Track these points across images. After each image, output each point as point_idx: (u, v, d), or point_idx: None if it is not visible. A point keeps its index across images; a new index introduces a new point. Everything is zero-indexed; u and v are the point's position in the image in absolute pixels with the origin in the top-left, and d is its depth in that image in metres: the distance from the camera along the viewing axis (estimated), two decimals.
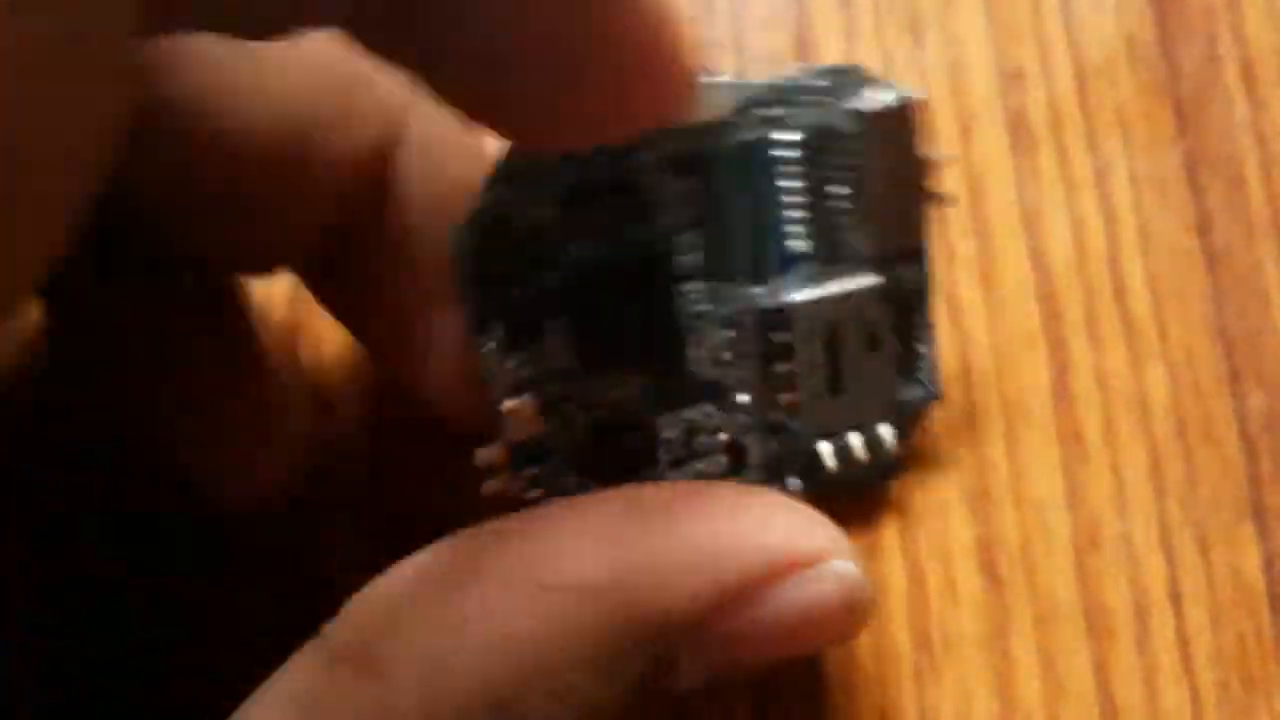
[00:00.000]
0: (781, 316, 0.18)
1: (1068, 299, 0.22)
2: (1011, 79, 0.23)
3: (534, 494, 0.18)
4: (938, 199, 0.19)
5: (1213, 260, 0.22)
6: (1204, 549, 0.21)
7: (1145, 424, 0.21)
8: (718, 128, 0.18)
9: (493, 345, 0.17)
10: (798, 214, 0.18)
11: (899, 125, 0.18)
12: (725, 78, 0.17)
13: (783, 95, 0.18)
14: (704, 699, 0.20)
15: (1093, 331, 0.21)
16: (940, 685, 0.20)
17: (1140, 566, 0.21)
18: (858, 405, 0.19)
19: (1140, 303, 0.22)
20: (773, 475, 0.19)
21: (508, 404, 0.18)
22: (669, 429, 0.18)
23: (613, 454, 0.18)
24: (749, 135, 0.18)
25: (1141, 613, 0.20)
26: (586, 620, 0.13)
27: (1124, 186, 0.22)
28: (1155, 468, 0.21)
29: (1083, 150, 0.22)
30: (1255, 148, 0.23)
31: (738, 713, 0.20)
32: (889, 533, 0.20)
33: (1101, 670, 0.20)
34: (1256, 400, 0.21)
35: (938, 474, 0.21)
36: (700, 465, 0.19)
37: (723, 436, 0.19)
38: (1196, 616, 0.20)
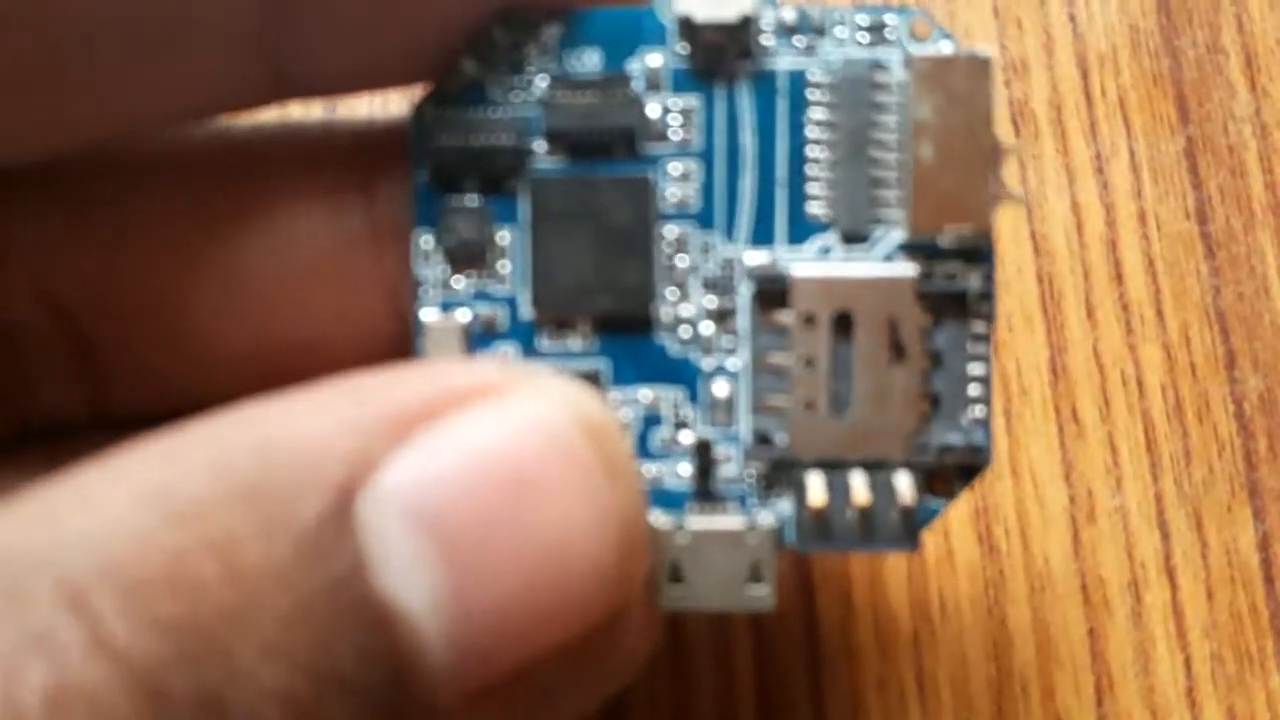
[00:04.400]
0: (779, 290, 0.15)
1: (1067, 281, 0.22)
2: (1015, 68, 0.23)
3: None
4: (1006, 193, 0.15)
5: (1211, 246, 0.23)
6: (1199, 526, 0.21)
7: (1141, 403, 0.22)
8: (738, 40, 0.15)
9: (430, 241, 0.15)
10: (824, 170, 0.15)
11: (962, 85, 0.14)
12: None
13: (824, 26, 0.15)
14: (708, 669, 0.20)
15: (1091, 313, 0.22)
16: (937, 652, 0.21)
17: (1135, 541, 0.21)
18: (866, 433, 0.14)
19: (1138, 286, 0.22)
20: (750, 498, 0.15)
21: (430, 316, 0.15)
22: (621, 410, 0.15)
23: None
24: (779, 62, 0.15)
25: (1136, 585, 0.21)
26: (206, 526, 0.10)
27: (1124, 174, 0.23)
28: (1151, 445, 0.22)
29: (1084, 138, 0.23)
30: (1256, 137, 0.23)
31: (740, 681, 0.20)
32: None
33: (1096, 640, 0.21)
34: (1253, 382, 0.22)
35: None
36: (653, 468, 0.15)
37: (688, 436, 0.15)
38: (1191, 591, 0.21)
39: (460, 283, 0.15)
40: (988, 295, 0.15)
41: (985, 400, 0.15)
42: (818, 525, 0.15)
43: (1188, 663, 0.21)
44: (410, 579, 0.10)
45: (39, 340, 0.16)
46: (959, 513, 0.21)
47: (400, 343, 0.16)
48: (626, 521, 0.11)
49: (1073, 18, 0.23)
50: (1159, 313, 0.22)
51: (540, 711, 0.12)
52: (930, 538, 0.21)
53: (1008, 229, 0.22)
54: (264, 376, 0.16)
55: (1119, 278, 0.22)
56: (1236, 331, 0.22)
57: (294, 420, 0.11)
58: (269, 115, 0.17)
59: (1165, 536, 0.21)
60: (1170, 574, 0.21)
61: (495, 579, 0.11)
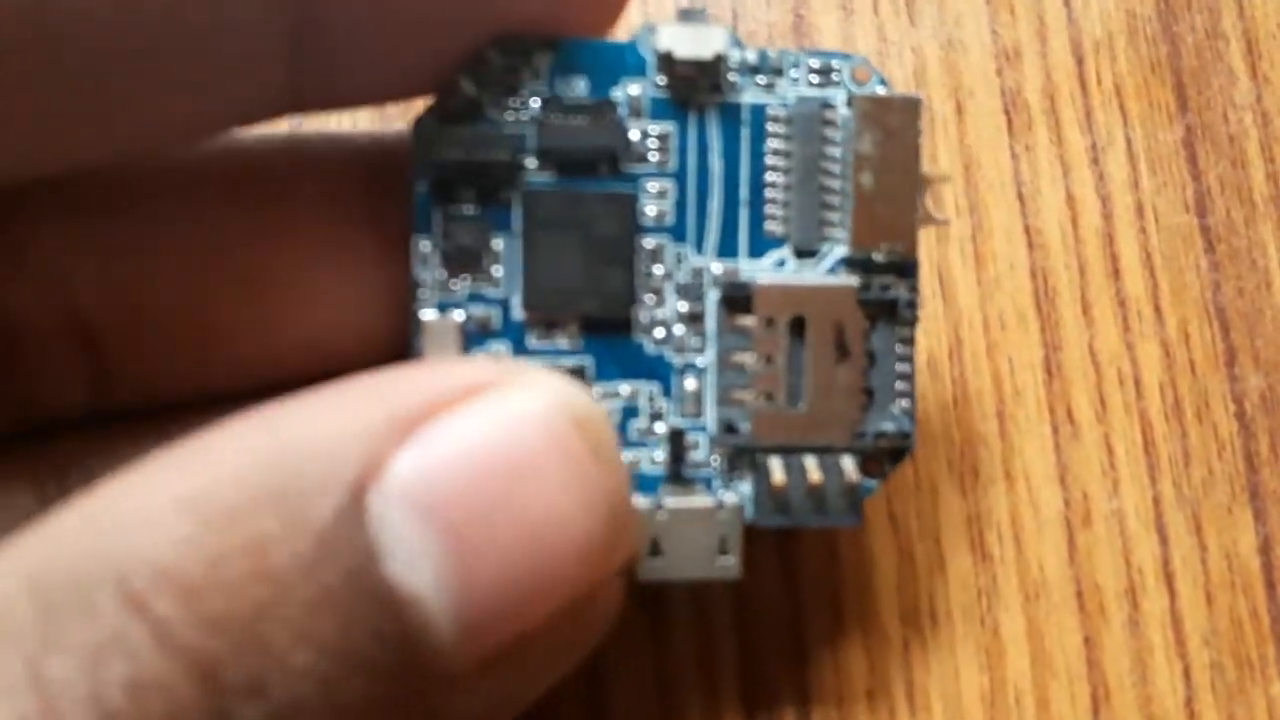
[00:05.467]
0: (743, 296, 0.17)
1: (1061, 276, 0.21)
2: (1008, 57, 0.22)
3: None
4: (932, 218, 0.17)
5: (1211, 239, 0.22)
6: (1198, 529, 0.21)
7: (1138, 403, 0.21)
8: (708, 76, 0.16)
9: (429, 246, 0.16)
10: (780, 193, 0.17)
11: (896, 123, 0.17)
12: (723, 28, 0.16)
13: (781, 68, 0.17)
14: (693, 688, 0.20)
15: (1086, 309, 0.21)
16: (928, 662, 0.20)
17: (1132, 545, 0.20)
18: (817, 422, 0.17)
19: (1135, 281, 0.21)
20: (716, 480, 0.17)
21: (428, 315, 0.16)
22: (603, 402, 0.17)
23: None
24: (743, 97, 0.17)
25: (1134, 591, 0.20)
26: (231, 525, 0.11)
27: (1121, 164, 0.22)
28: (1149, 446, 0.21)
29: (1079, 128, 0.22)
30: (1258, 126, 0.22)
31: (725, 695, 0.20)
32: (877, 510, 0.20)
33: (1092, 649, 0.20)
34: (1254, 380, 0.21)
35: (927, 450, 0.21)
36: (631, 454, 0.17)
37: (662, 426, 0.17)
38: (1190, 597, 0.20)
39: (457, 285, 0.16)
40: (913, 303, 0.17)
41: (910, 394, 0.17)
42: (776, 503, 0.17)
43: (1187, 671, 0.20)
44: (416, 565, 0.11)
45: (50, 338, 0.16)
46: (950, 519, 0.20)
47: (398, 339, 0.17)
48: (614, 502, 0.13)
49: (1067, 3, 0.23)
50: (1157, 309, 0.21)
51: (537, 671, 0.13)
52: (920, 544, 0.20)
53: (1000, 223, 0.22)
54: (268, 374, 0.17)
55: (1115, 272, 0.22)
56: (1237, 328, 0.21)
57: (307, 426, 0.12)
58: (277, 129, 0.18)
59: (1163, 541, 0.21)
60: (1169, 579, 0.20)
61: (494, 561, 0.12)
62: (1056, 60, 0.22)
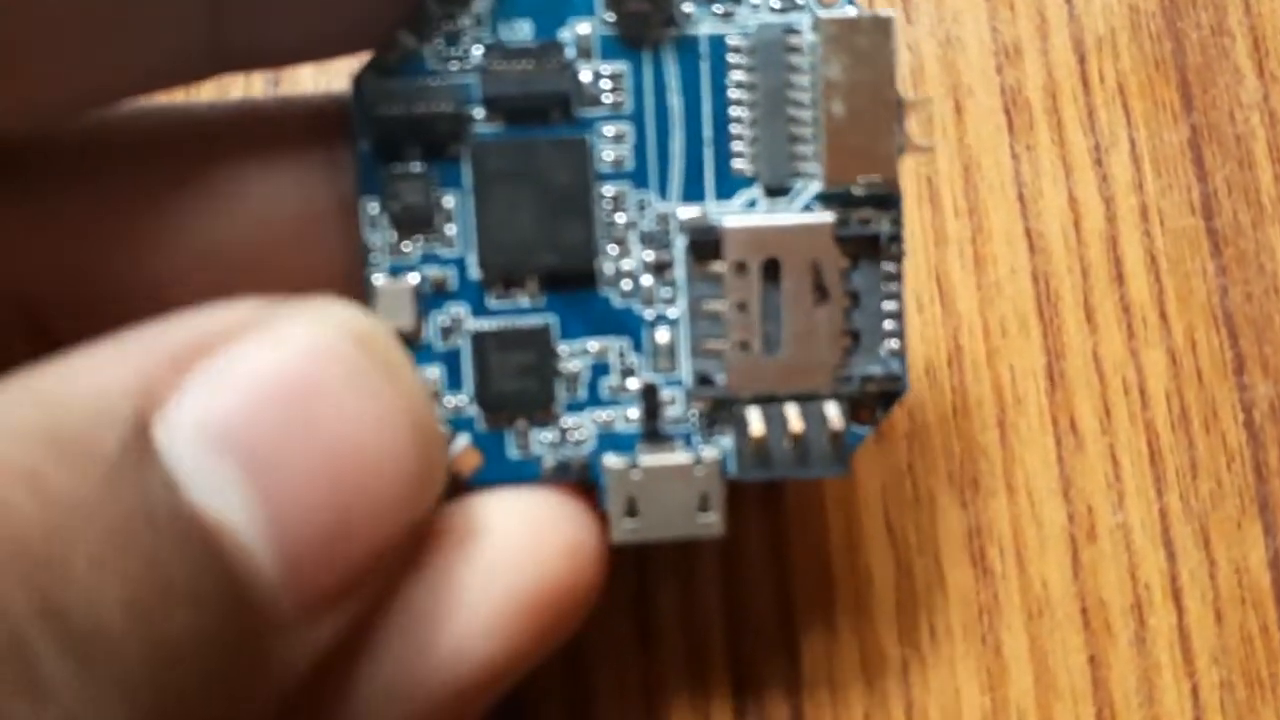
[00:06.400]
0: (711, 241, 0.16)
1: (1064, 282, 0.21)
2: (1008, 54, 0.22)
3: None
4: (913, 144, 0.16)
5: (1218, 242, 0.21)
6: (1206, 543, 0.20)
7: (1144, 412, 0.20)
8: (661, 9, 0.16)
9: (376, 208, 0.16)
10: (746, 129, 0.16)
11: (867, 45, 0.16)
12: None
13: None
14: (683, 707, 0.19)
15: (1090, 315, 0.21)
16: (927, 682, 0.19)
17: (1138, 560, 0.20)
18: (797, 369, 0.16)
19: (1140, 286, 0.21)
20: (695, 436, 0.16)
21: (380, 280, 0.16)
22: (571, 361, 0.16)
23: (501, 387, 0.16)
24: (700, 28, 0.16)
25: (1140, 608, 0.20)
26: None
27: (1125, 165, 0.21)
28: (1155, 458, 0.20)
29: (1082, 128, 0.21)
30: (1265, 126, 0.22)
31: (717, 713, 0.19)
32: (874, 524, 0.20)
33: (1097, 668, 0.19)
34: (1263, 389, 0.21)
35: (926, 461, 0.20)
36: (604, 414, 0.16)
37: (634, 382, 0.16)
38: (1198, 613, 0.20)
39: (408, 247, 0.16)
40: (897, 237, 0.16)
41: (899, 334, 0.16)
42: (757, 455, 0.16)
43: (1195, 690, 0.19)
44: (220, 494, 0.11)
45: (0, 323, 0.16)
46: (950, 534, 0.20)
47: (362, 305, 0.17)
48: (415, 417, 0.13)
49: None
50: (1162, 315, 0.21)
51: (370, 601, 0.13)
52: (918, 559, 0.20)
53: (1001, 226, 0.21)
54: None
55: (1119, 277, 0.21)
56: (1245, 334, 0.21)
57: (72, 373, 0.11)
58: (231, 94, 0.18)
59: (1170, 555, 0.20)
60: (1176, 595, 0.20)
61: (299, 482, 0.12)
62: (1058, 58, 0.22)
